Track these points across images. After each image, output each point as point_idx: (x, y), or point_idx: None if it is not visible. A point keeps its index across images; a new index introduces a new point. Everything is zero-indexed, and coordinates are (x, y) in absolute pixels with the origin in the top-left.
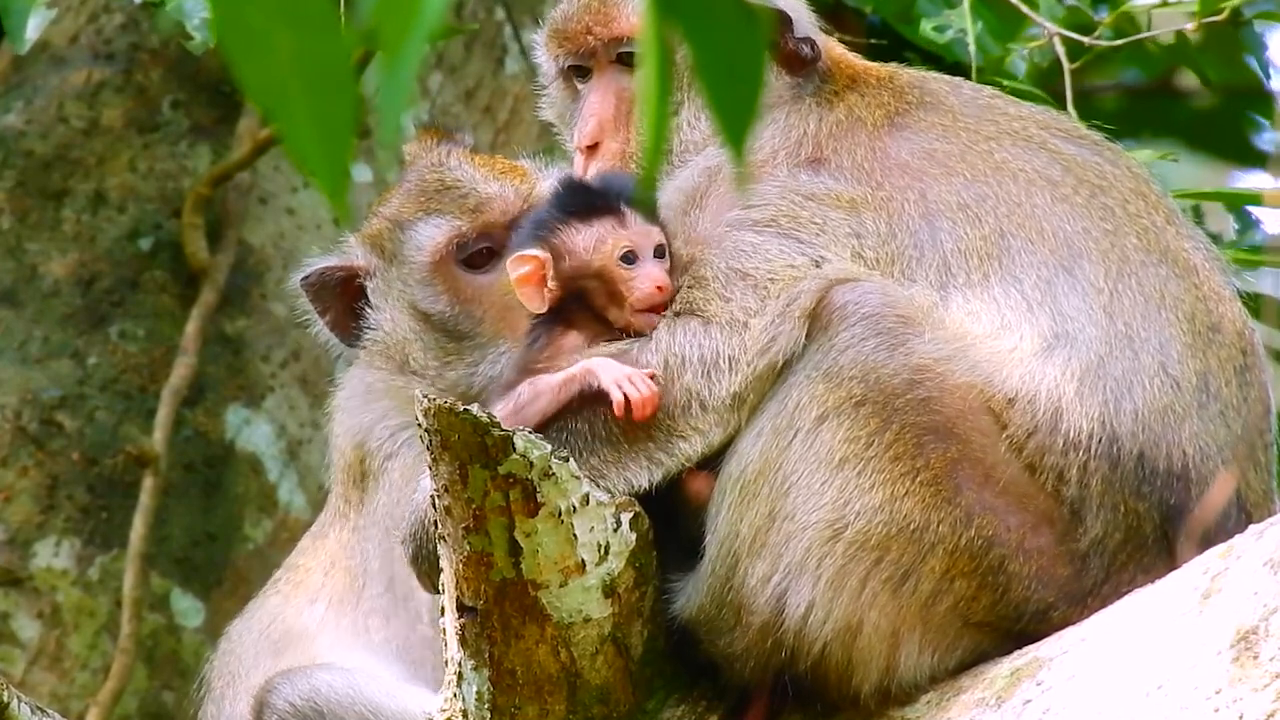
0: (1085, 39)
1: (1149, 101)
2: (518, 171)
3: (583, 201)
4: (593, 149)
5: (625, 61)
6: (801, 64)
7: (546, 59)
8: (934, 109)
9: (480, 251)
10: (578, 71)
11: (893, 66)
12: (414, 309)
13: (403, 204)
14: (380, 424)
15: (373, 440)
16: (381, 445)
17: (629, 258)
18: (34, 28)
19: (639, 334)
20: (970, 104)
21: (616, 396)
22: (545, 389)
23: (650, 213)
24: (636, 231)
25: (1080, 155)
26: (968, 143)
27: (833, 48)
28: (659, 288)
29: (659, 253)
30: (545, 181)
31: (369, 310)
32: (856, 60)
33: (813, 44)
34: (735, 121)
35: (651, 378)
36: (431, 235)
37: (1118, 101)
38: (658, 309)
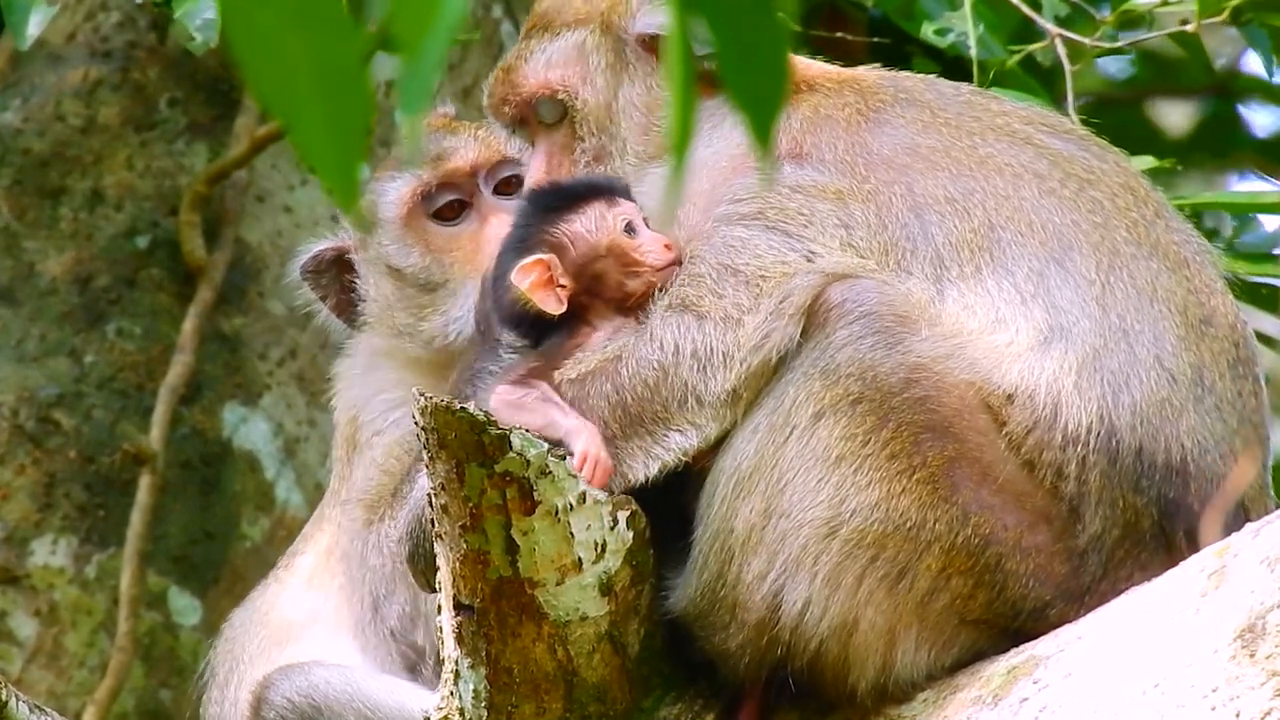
0: (1087, 40)
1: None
2: (484, 127)
3: (566, 194)
4: None
5: (545, 119)
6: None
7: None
8: (911, 105)
9: (450, 204)
10: (523, 134)
11: (859, 69)
12: (389, 267)
13: (377, 175)
14: (377, 397)
15: (365, 414)
16: (373, 420)
17: (630, 228)
18: (36, 24)
19: (646, 312)
20: (950, 100)
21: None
22: (541, 412)
23: (675, 205)
24: (626, 206)
25: (1067, 149)
26: (950, 137)
27: None
28: (667, 246)
29: (646, 224)
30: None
31: (359, 283)
32: (808, 67)
33: None
34: (760, 112)
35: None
36: (397, 189)
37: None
38: (675, 265)
